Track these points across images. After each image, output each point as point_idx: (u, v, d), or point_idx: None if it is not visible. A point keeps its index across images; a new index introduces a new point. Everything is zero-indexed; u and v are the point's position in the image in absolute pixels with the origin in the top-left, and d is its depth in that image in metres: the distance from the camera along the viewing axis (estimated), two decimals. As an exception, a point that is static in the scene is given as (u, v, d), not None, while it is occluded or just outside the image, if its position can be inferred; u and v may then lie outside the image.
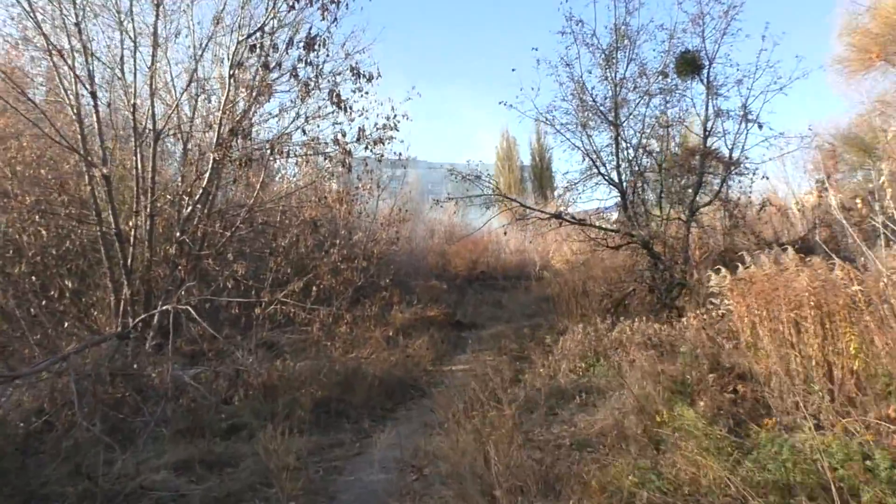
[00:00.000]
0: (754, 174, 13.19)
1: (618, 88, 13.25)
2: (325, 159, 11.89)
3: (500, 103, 13.34)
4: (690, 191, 13.43)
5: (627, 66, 13.13)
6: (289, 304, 9.70)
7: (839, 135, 22.43)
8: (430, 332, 13.96)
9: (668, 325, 10.78)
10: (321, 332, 10.21)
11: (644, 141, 13.67)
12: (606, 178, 13.65)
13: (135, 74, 11.56)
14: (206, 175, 11.56)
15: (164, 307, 9.08)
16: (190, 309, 8.74)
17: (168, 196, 12.34)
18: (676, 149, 13.52)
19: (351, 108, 11.34)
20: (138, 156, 11.30)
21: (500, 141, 47.75)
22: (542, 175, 45.12)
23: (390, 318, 13.94)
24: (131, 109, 11.22)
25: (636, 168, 13.54)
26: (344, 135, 11.49)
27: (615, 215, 26.31)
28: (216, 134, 11.58)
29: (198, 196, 11.68)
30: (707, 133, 13.37)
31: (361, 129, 11.72)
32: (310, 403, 8.13)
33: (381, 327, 12.95)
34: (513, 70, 14.96)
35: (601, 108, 13.32)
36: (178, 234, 11.44)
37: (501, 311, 18.96)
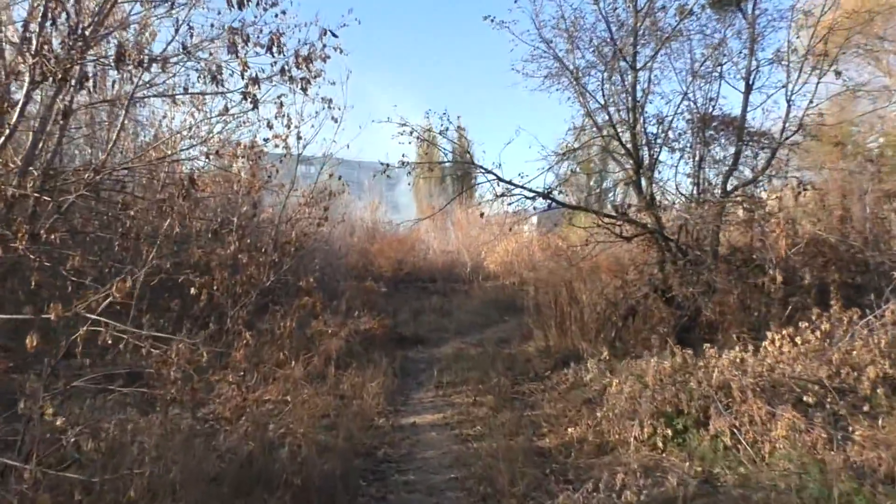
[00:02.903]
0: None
1: (639, 20, 8.76)
2: (216, 84, 6.76)
3: (485, 18, 8.66)
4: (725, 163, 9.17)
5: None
6: (105, 325, 4.41)
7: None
8: (370, 355, 9.02)
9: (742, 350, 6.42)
10: (178, 384, 4.88)
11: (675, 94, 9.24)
12: (619, 140, 9.10)
13: None
14: (18, 107, 6.36)
15: None
16: None
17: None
18: (717, 108, 9.15)
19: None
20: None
21: (415, 152, 42.87)
22: (464, 175, 40.62)
23: (314, 334, 8.86)
24: None
25: (662, 131, 9.08)
26: (248, 40, 6.49)
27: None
28: (36, 36, 6.38)
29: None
30: (749, 87, 9.10)
31: (277, 36, 6.73)
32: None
33: (300, 351, 7.92)
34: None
35: (617, 42, 8.77)
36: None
37: (447, 320, 14.18)
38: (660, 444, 5.12)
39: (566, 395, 7.03)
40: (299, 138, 8.33)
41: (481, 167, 9.03)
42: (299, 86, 7.04)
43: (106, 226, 7.85)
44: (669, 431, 5.11)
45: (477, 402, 7.24)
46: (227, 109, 7.06)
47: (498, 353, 9.70)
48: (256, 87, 6.92)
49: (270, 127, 8.11)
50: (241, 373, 7.33)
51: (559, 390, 7.39)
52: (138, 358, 4.60)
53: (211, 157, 7.98)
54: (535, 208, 9.75)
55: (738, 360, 5.58)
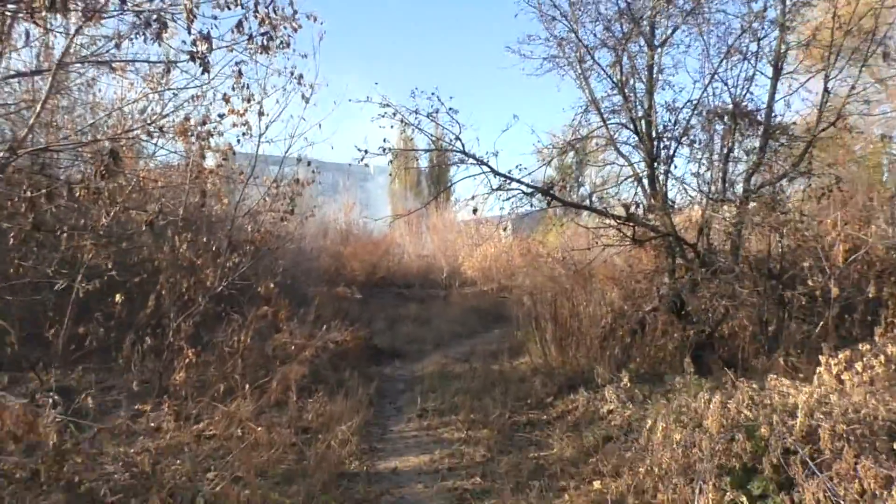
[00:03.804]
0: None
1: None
2: (157, 39, 5.21)
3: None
4: (752, 158, 7.86)
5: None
6: None
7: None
8: (341, 374, 7.54)
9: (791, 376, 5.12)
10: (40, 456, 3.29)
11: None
12: (635, 129, 7.75)
13: None
14: None
15: None
16: None
17: None
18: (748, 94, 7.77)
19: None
20: None
21: (396, 141, 41.13)
22: (439, 179, 39.11)
23: (277, 348, 7.33)
24: None
25: (681, 119, 7.73)
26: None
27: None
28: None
29: None
30: (778, 72, 7.84)
31: (231, -20, 5.26)
32: None
33: (258, 372, 6.39)
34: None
35: (634, 13, 7.42)
36: None
37: (426, 329, 12.72)
38: (735, 516, 3.74)
39: (580, 431, 5.62)
40: (262, 114, 6.80)
41: (473, 156, 7.61)
42: (260, 42, 5.55)
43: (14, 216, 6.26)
44: (744, 499, 3.72)
45: (470, 439, 5.79)
46: (168, 70, 5.50)
47: (488, 372, 8.27)
48: (206, 45, 5.44)
49: (227, 101, 6.61)
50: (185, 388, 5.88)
51: (569, 423, 5.99)
52: None
53: (154, 135, 6.41)
54: (532, 206, 8.36)
55: (820, 396, 4.19)
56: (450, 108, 7.26)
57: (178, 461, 4.81)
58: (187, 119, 6.28)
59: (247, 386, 5.99)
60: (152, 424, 5.38)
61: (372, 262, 20.60)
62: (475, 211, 7.64)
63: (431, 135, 8.21)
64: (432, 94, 7.46)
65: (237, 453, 4.63)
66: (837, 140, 8.67)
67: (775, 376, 4.62)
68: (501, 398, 6.93)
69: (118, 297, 5.39)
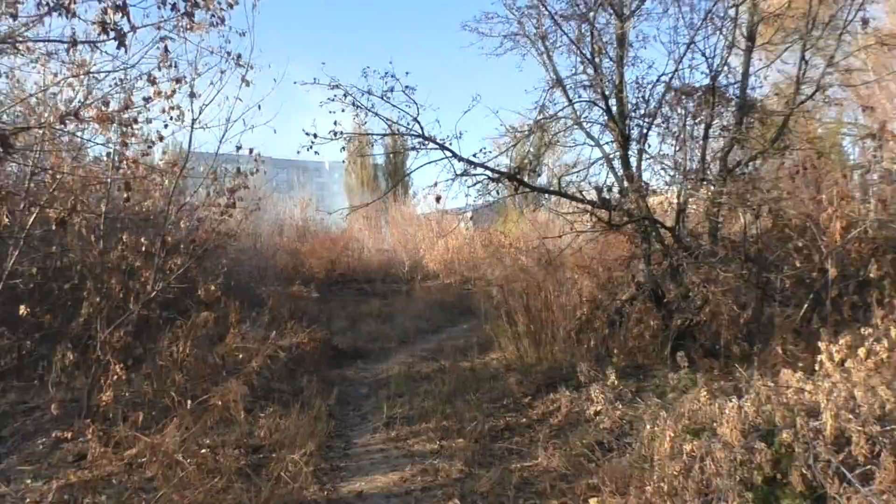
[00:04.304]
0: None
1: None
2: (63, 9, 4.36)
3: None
4: (728, 134, 7.34)
5: None
6: None
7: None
8: (297, 381, 6.81)
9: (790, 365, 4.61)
10: None
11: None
12: (606, 107, 7.14)
13: None
14: None
15: None
16: None
17: None
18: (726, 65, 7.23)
19: None
20: None
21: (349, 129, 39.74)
22: (395, 173, 38.19)
23: (227, 355, 6.54)
24: None
25: (651, 96, 7.15)
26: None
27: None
28: None
29: None
30: (752, 43, 7.35)
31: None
32: None
33: (199, 384, 5.59)
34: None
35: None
36: None
37: (389, 326, 11.98)
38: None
39: (566, 437, 5.00)
40: (193, 96, 5.96)
41: (434, 140, 6.92)
42: (184, 9, 4.75)
43: None
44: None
45: (444, 450, 5.11)
46: (74, 43, 4.64)
47: (458, 371, 7.60)
48: (122, 16, 4.62)
49: (153, 82, 5.75)
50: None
51: (552, 426, 5.36)
52: None
53: (67, 121, 5.52)
54: (498, 192, 7.72)
55: (849, 392, 3.61)
56: (406, 87, 6.55)
57: (104, 496, 4.05)
58: (106, 103, 5.40)
59: (188, 402, 5.20)
60: (71, 453, 4.58)
61: (330, 258, 19.77)
62: (438, 199, 6.96)
63: (387, 119, 7.46)
64: (386, 72, 6.74)
65: (170, 489, 3.87)
66: (815, 114, 8.21)
67: (790, 371, 4.05)
68: (475, 400, 6.27)
69: (22, 309, 4.58)
